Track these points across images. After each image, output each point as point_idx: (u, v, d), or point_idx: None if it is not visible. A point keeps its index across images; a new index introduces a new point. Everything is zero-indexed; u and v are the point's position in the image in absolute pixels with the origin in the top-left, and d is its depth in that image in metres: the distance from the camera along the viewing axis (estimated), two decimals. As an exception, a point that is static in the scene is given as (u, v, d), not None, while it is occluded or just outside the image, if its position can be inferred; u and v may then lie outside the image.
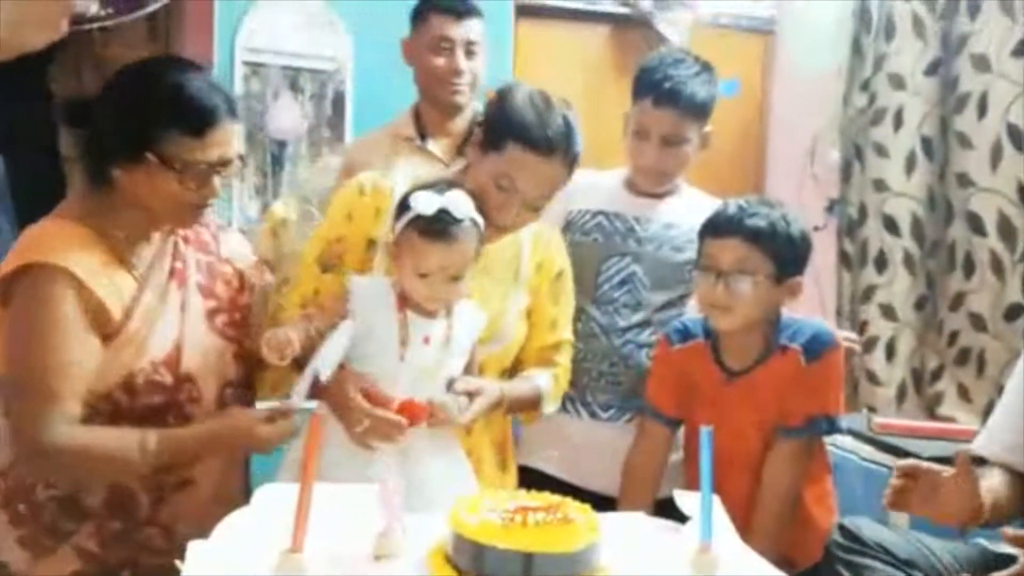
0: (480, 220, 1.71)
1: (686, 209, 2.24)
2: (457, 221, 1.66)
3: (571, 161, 1.79)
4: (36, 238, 1.60)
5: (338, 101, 3.29)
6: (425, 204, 1.67)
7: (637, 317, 2.23)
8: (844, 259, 3.44)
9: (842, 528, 2.06)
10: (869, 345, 3.28)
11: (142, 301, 1.61)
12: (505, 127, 1.75)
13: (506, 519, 1.33)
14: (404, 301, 1.71)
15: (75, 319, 1.53)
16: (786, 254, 1.99)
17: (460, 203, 1.68)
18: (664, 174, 2.22)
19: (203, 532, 1.57)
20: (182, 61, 1.70)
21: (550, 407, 1.98)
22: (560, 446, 2.20)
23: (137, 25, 3.08)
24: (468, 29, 2.47)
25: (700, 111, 2.18)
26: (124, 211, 1.62)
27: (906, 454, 2.72)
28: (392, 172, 2.39)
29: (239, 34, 3.18)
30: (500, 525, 1.32)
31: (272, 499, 1.45)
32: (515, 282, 1.90)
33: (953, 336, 3.13)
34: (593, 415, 2.22)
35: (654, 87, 2.14)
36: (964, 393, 3.10)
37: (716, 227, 2.02)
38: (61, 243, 1.57)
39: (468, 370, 1.78)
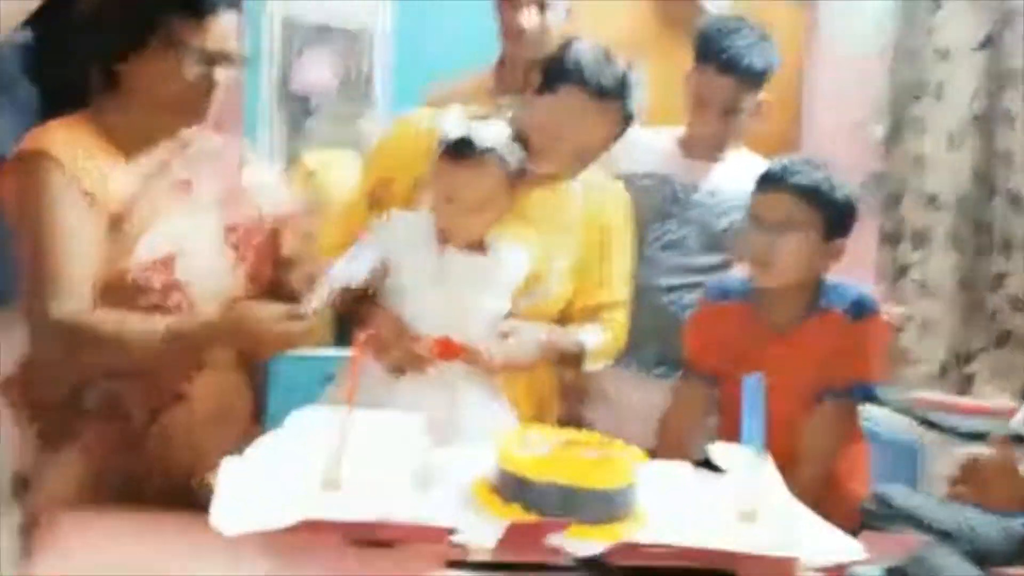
0: (515, 155, 1.68)
1: (734, 174, 2.21)
2: (477, 148, 1.64)
3: (626, 116, 1.75)
4: (36, 131, 1.62)
5: (370, 63, 3.25)
6: (452, 127, 1.66)
7: (682, 279, 2.20)
8: (884, 235, 3.38)
9: (876, 496, 2.03)
10: (904, 322, 3.24)
11: (141, 201, 1.60)
12: (562, 67, 1.72)
13: (551, 453, 1.31)
14: (444, 235, 1.68)
15: (68, 202, 1.54)
16: (834, 214, 1.96)
17: (488, 131, 1.65)
18: (720, 142, 2.21)
19: (206, 454, 1.54)
20: None
21: (596, 364, 1.88)
22: (605, 402, 2.17)
23: None
24: None
25: (758, 80, 2.15)
26: (130, 110, 1.62)
27: (942, 429, 2.69)
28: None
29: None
30: (546, 459, 1.30)
31: (307, 422, 1.42)
32: (561, 234, 1.83)
33: (992, 316, 3.08)
34: (648, 373, 2.21)
35: (715, 55, 2.12)
36: (1001, 374, 3.05)
37: (766, 181, 1.98)
38: (56, 134, 1.59)
39: (511, 314, 1.74)
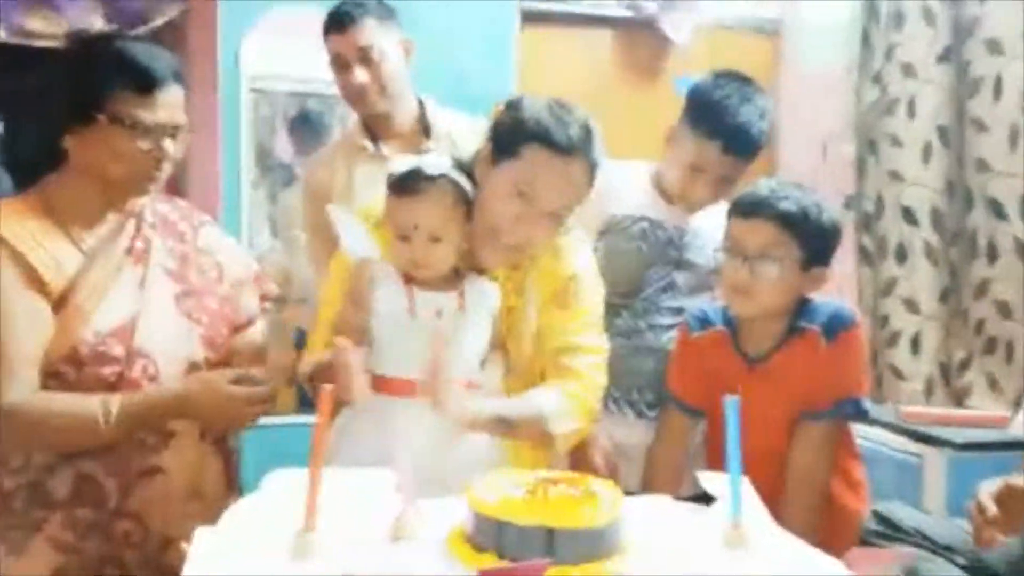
0: (462, 180, 1.66)
1: (713, 218, 2.17)
2: (429, 177, 1.63)
3: (592, 167, 1.68)
4: None
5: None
6: (400, 164, 1.67)
7: (678, 319, 2.18)
8: (863, 254, 3.38)
9: (876, 514, 2.00)
10: (893, 339, 3.22)
11: (89, 275, 1.60)
12: (521, 131, 1.65)
13: (527, 495, 1.28)
14: (408, 278, 1.68)
15: (14, 284, 1.54)
16: (815, 241, 1.91)
17: (435, 161, 1.66)
18: (710, 203, 2.16)
19: (179, 526, 1.54)
20: (125, 35, 1.72)
21: (562, 426, 1.70)
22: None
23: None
24: (356, 36, 2.34)
25: (759, 152, 2.12)
26: (76, 185, 1.63)
27: (936, 442, 2.66)
28: (353, 183, 2.39)
29: (242, 57, 3.18)
30: (521, 500, 1.27)
31: (282, 484, 1.40)
32: (525, 275, 1.78)
33: (979, 325, 3.07)
34: (640, 414, 2.17)
35: (725, 133, 2.04)
36: (993, 383, 3.03)
37: (745, 208, 1.93)
38: (3, 216, 1.59)
39: (492, 347, 1.73)
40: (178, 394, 1.60)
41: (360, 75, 2.34)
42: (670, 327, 2.17)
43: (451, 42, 3.23)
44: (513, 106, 1.70)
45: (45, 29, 2.85)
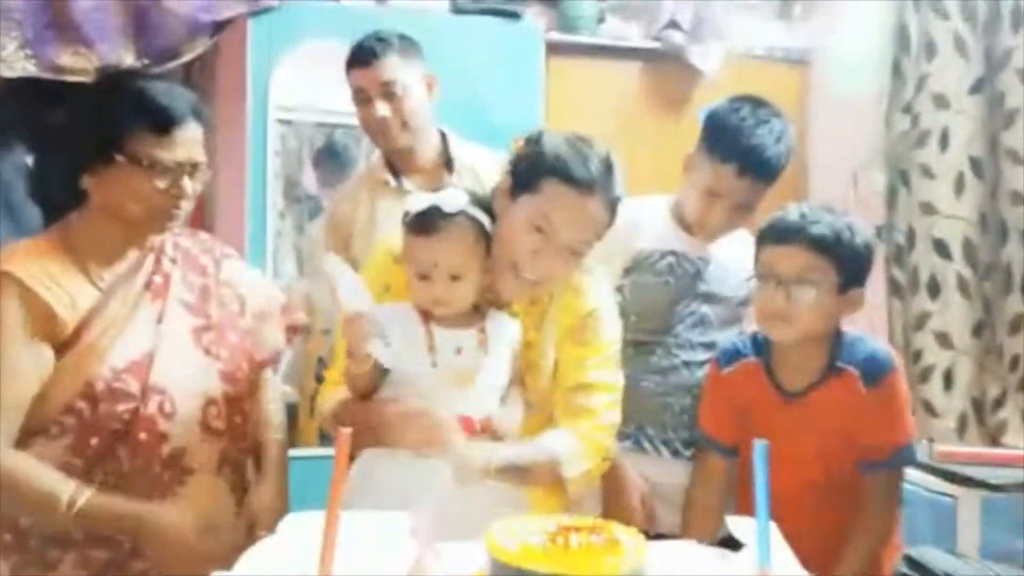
0: (481, 216, 1.65)
1: (737, 248, 2.17)
2: (447, 215, 1.62)
3: (612, 203, 1.67)
4: (2, 251, 1.64)
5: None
6: (416, 202, 1.65)
7: (712, 354, 2.15)
8: (894, 286, 3.32)
9: (907, 558, 1.96)
10: (925, 375, 3.17)
11: (105, 311, 1.60)
12: (540, 165, 1.64)
13: (547, 542, 1.25)
14: (427, 315, 1.66)
15: (18, 326, 1.53)
16: (850, 263, 1.89)
17: (453, 198, 1.64)
18: (729, 230, 2.14)
19: (195, 565, 1.53)
20: (145, 72, 1.72)
21: (575, 469, 1.69)
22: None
23: (171, 76, 3.10)
24: (379, 72, 2.35)
25: (778, 176, 2.08)
26: (96, 223, 1.63)
27: (971, 482, 2.60)
28: (375, 217, 2.37)
29: (270, 90, 3.19)
30: (541, 549, 1.24)
31: (299, 528, 1.38)
32: (542, 309, 1.77)
33: (1015, 361, 3.01)
34: (675, 453, 2.13)
35: (739, 155, 2.01)
36: (1028, 419, 2.97)
37: (778, 233, 1.90)
38: (18, 253, 1.60)
39: (513, 383, 1.72)
40: (141, 516, 1.55)
41: (382, 109, 2.35)
42: (703, 363, 2.13)
43: (476, 74, 3.23)
44: (533, 140, 1.69)
45: (75, 64, 2.87)
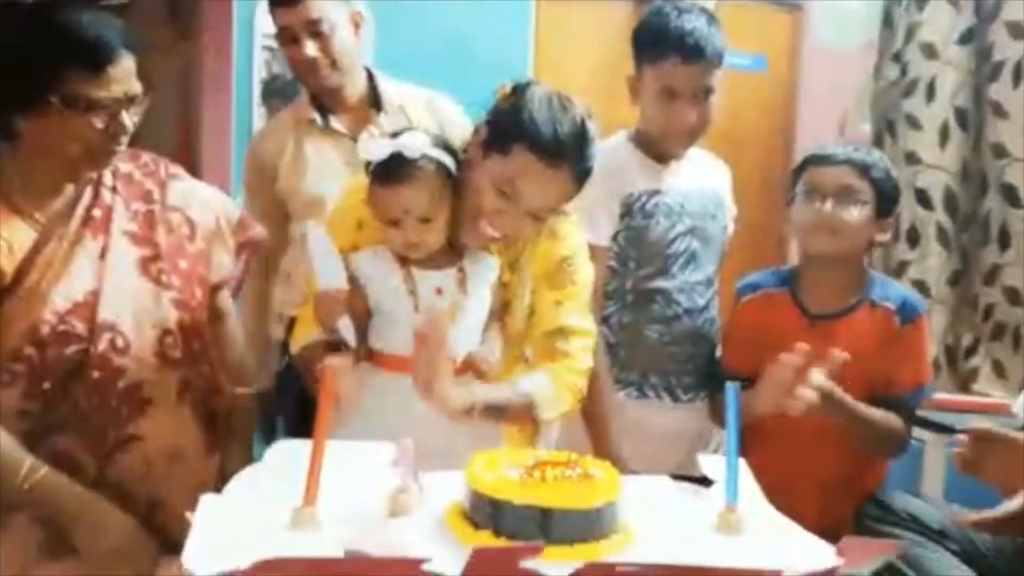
0: (444, 157, 1.65)
1: (705, 171, 2.21)
2: (409, 160, 1.61)
3: (581, 174, 1.65)
4: None
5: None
6: (377, 151, 1.63)
7: (709, 293, 2.19)
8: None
9: (874, 500, 2.02)
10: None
11: (44, 253, 1.55)
12: (514, 128, 1.61)
13: (524, 475, 1.30)
14: (404, 259, 1.67)
15: None
16: (886, 190, 2.05)
17: (413, 142, 1.63)
18: (697, 131, 2.13)
19: (163, 489, 1.57)
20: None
21: (550, 412, 1.71)
22: (645, 438, 2.11)
23: (156, 3, 3.07)
24: (305, 10, 2.27)
25: (721, 59, 2.10)
26: (29, 162, 1.57)
27: (938, 428, 2.67)
28: (302, 156, 2.35)
29: (256, 18, 3.17)
30: (518, 480, 1.29)
31: (285, 455, 1.42)
32: (517, 254, 1.77)
33: (988, 311, 3.07)
34: (676, 399, 2.17)
35: (678, 44, 2.04)
36: (1000, 369, 3.04)
37: (819, 157, 2.07)
38: None
39: (491, 319, 1.73)
40: (87, 508, 1.52)
41: (310, 49, 2.27)
42: (703, 309, 2.17)
43: (466, 10, 3.22)
44: (518, 91, 1.66)
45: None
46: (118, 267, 1.60)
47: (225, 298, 1.81)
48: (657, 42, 2.08)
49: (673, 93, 2.07)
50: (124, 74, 1.53)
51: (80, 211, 1.60)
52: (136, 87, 1.55)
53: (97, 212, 1.62)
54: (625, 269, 2.10)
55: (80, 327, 1.54)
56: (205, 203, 1.76)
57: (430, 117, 2.35)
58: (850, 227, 2.00)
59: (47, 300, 1.53)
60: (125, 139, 1.57)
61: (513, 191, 1.63)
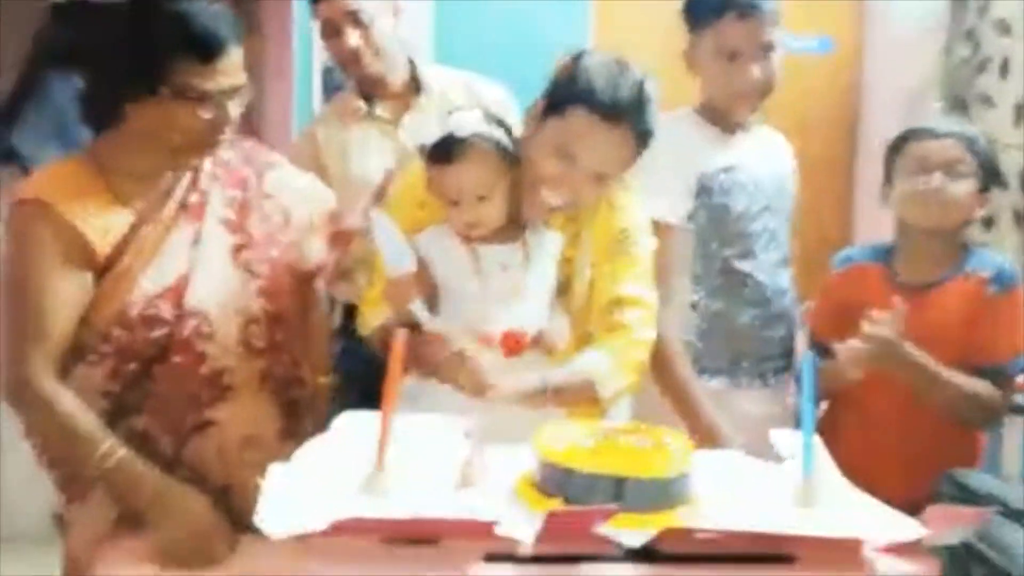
0: (497, 133, 1.64)
1: (772, 146, 2.16)
2: (461, 140, 1.61)
3: (641, 135, 1.63)
4: (35, 176, 1.63)
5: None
6: (428, 133, 1.65)
7: (788, 273, 2.14)
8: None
9: (951, 479, 1.96)
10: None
11: (138, 235, 1.58)
12: (570, 89, 1.60)
13: (596, 444, 1.28)
14: (466, 237, 1.67)
15: (54, 255, 1.52)
16: (989, 166, 2.03)
17: (465, 121, 1.63)
18: (764, 91, 2.06)
19: (237, 475, 1.57)
20: None
21: (611, 388, 1.64)
22: (738, 426, 1.99)
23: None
24: (344, 2, 2.28)
25: (777, 16, 2.03)
26: (135, 147, 1.59)
27: (1018, 409, 2.59)
28: (349, 143, 2.37)
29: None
30: (589, 449, 1.27)
31: (352, 426, 1.42)
32: (578, 226, 1.74)
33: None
34: (766, 383, 2.12)
35: (731, 2, 1.98)
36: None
37: (928, 130, 2.03)
38: (53, 179, 1.58)
39: (558, 296, 1.72)
40: (162, 492, 1.53)
41: (352, 39, 2.30)
42: (787, 289, 2.13)
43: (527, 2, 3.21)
44: (575, 59, 1.65)
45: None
46: (210, 254, 1.63)
47: (316, 289, 1.82)
48: (711, 2, 2.03)
49: (734, 53, 2.01)
50: (232, 66, 1.55)
51: (177, 196, 1.63)
52: (242, 78, 1.58)
53: (194, 198, 1.64)
54: (707, 250, 2.05)
55: (167, 311, 1.57)
56: (301, 193, 1.79)
57: (469, 99, 2.36)
58: (958, 200, 1.97)
59: (137, 283, 1.56)
60: (229, 130, 1.59)
61: (572, 154, 1.61)
